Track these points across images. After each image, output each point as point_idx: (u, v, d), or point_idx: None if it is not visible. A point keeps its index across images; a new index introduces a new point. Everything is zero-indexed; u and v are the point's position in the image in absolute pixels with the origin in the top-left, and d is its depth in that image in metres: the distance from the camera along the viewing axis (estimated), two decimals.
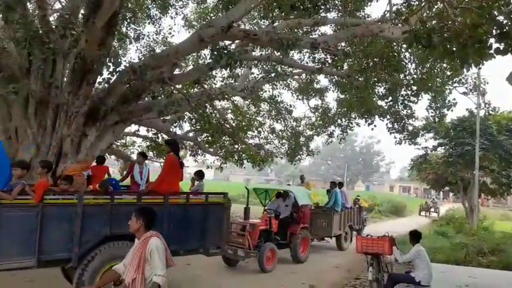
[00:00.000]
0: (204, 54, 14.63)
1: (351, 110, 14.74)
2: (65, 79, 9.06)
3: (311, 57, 13.72)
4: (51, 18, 10.30)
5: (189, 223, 5.82)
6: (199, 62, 15.27)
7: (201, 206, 6.01)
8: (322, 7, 9.81)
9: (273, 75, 14.73)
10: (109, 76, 7.92)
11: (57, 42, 8.03)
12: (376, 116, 14.31)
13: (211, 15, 14.22)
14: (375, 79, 12.01)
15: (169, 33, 15.59)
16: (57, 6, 12.33)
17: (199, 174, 8.94)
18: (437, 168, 20.72)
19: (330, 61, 10.34)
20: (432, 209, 28.39)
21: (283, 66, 14.35)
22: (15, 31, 7.84)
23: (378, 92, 13.28)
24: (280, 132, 17.86)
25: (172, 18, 15.01)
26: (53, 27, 8.48)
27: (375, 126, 14.47)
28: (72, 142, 8.89)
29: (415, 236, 6.31)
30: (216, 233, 6.06)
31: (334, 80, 15.02)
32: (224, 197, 6.28)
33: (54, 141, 8.61)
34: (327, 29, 13.12)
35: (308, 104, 17.49)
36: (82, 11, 9.19)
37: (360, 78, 11.85)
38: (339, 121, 16.16)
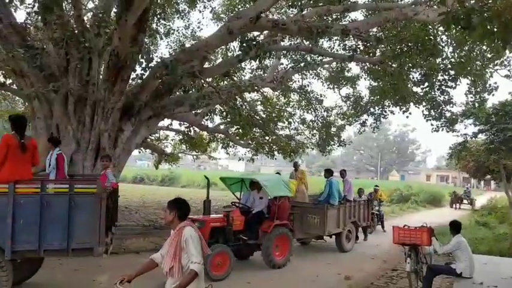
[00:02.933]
0: (233, 47, 14.69)
1: (384, 98, 14.30)
2: (101, 76, 9.40)
3: (341, 44, 13.44)
4: (85, 18, 10.65)
5: (47, 218, 4.87)
6: (228, 54, 15.35)
7: (64, 196, 4.97)
8: None
9: (302, 65, 14.55)
10: (142, 72, 8.11)
11: (92, 40, 8.32)
12: (411, 103, 13.80)
13: (239, 6, 14.19)
14: (410, 64, 11.57)
15: (198, 27, 15.78)
16: (91, 5, 12.74)
17: (108, 158, 7.29)
18: (478, 155, 19.79)
19: (361, 48, 10.05)
20: (465, 201, 24.64)
21: (312, 55, 14.14)
22: (53, 32, 8.20)
23: (413, 78, 12.78)
24: (310, 123, 17.65)
25: (200, 12, 15.17)
26: (88, 26, 8.79)
27: (410, 113, 13.97)
28: (110, 137, 9.26)
29: (455, 227, 6.07)
30: (85, 230, 4.99)
31: (366, 67, 14.62)
32: (97, 187, 5.15)
33: (93, 136, 9.00)
34: (358, 15, 12.73)
35: (339, 93, 17.18)
36: (114, 9, 9.45)
37: (394, 65, 11.46)
38: (372, 109, 15.73)
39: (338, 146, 17.91)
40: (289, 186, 8.29)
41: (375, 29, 11.59)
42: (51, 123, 8.93)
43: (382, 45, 11.31)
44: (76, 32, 8.30)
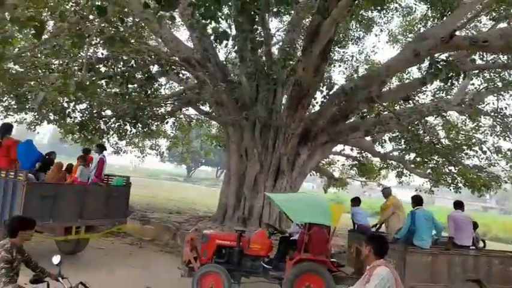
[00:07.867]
0: (410, 69, 13.71)
1: None
2: (283, 104, 10.22)
3: None
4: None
5: None
6: (404, 77, 14.43)
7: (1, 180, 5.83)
8: None
9: (499, 84, 12.41)
10: (322, 99, 8.38)
11: (279, 72, 9.15)
12: None
13: (419, 26, 13.29)
14: None
15: (372, 51, 15.44)
16: (274, 40, 14.13)
17: (82, 158, 7.34)
18: None
19: None
20: None
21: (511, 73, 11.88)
22: (247, 67, 9.41)
23: None
24: (508, 152, 14.68)
25: (376, 35, 14.87)
26: (275, 60, 9.74)
27: None
28: (288, 160, 9.90)
29: None
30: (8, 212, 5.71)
31: None
32: (23, 176, 5.74)
33: (274, 159, 9.81)
34: None
35: None
36: (297, 42, 10.21)
37: None
38: None
39: None
40: (330, 213, 5.96)
41: None
42: (241, 146, 10.15)
43: None
44: (265, 66, 9.29)
